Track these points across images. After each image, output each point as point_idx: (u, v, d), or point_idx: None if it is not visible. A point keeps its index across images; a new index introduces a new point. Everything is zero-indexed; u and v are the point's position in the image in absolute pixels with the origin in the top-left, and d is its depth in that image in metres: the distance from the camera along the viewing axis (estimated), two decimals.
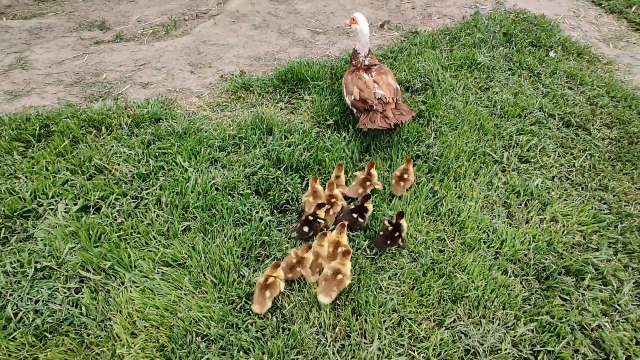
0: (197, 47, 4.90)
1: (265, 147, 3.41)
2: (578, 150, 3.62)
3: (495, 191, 3.22)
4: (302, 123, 3.70)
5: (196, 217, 2.84)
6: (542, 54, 4.78)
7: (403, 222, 2.78)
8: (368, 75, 3.55)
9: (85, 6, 5.86)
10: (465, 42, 4.86)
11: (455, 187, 3.19)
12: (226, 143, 3.44)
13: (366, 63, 3.65)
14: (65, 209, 2.85)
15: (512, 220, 3.06)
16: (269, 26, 5.38)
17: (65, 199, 2.91)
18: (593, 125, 3.86)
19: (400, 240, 2.77)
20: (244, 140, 3.45)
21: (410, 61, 4.44)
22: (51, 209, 2.87)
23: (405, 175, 3.11)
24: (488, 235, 2.92)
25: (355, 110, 3.54)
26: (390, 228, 2.76)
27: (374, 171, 3.12)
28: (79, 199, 2.92)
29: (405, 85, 4.14)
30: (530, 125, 3.81)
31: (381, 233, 2.78)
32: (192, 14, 5.65)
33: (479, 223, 2.94)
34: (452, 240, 2.88)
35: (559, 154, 3.59)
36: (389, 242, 2.76)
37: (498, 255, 2.82)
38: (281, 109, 3.96)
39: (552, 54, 4.80)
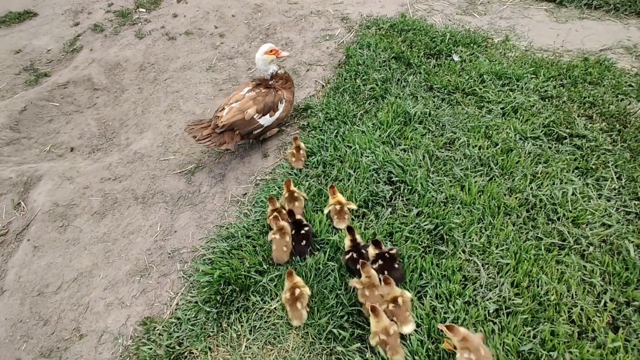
0: (34, 311, 2.77)
1: None
2: (602, 167, 2.86)
3: (615, 296, 2.23)
4: None
5: None
6: (448, 62, 3.95)
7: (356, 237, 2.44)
8: (247, 92, 3.35)
9: None
10: (372, 92, 3.73)
11: (584, 335, 2.11)
12: None
13: (269, 84, 3.42)
14: None
15: None
16: (118, 202, 3.43)
17: None
18: (577, 124, 3.15)
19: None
20: None
21: (344, 156, 3.13)
22: None
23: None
24: None
25: None
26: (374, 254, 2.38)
27: None
28: None
29: (375, 202, 2.84)
30: (534, 165, 2.92)
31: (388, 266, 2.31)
32: None
33: None
34: None
35: (591, 185, 2.78)
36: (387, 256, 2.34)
37: None
38: (252, 355, 2.31)
39: (455, 57, 3.98)
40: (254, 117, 3.22)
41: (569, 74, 3.57)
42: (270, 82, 3.42)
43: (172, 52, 4.98)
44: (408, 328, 2.13)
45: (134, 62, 4.92)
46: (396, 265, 2.31)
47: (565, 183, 2.75)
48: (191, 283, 2.69)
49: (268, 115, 3.31)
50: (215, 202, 3.23)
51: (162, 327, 2.48)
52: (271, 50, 3.33)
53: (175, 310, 2.59)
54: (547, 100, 3.39)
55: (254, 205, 3.07)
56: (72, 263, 3.02)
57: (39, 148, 4.12)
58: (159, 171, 3.60)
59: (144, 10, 5.84)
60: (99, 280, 2.88)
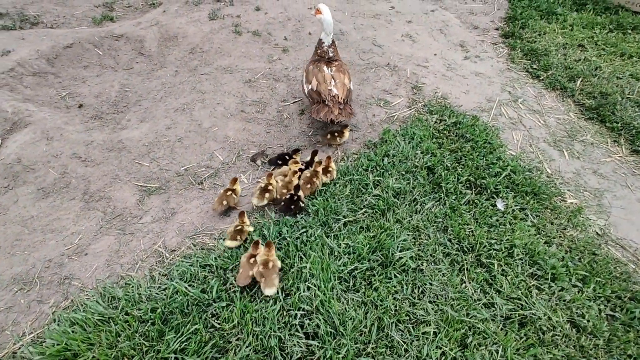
0: None
1: None
2: None
3: None
4: None
5: None
6: (487, 206, 3.01)
7: None
8: (328, 70, 3.39)
9: None
10: (374, 200, 2.95)
11: None
12: None
13: (330, 54, 3.47)
14: None
15: None
16: (68, 188, 3.11)
17: None
18: None
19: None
20: None
21: (285, 271, 2.46)
22: None
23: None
24: None
25: (310, 100, 3.43)
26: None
27: None
28: None
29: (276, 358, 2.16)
30: None
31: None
32: None
33: None
34: None
35: None
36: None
37: None
38: None
39: (499, 204, 3.02)
40: (350, 85, 3.45)
41: (630, 308, 2.48)
42: (328, 50, 3.45)
43: (228, 47, 4.53)
44: (271, 290, 2.30)
45: (189, 42, 4.56)
46: (301, 204, 2.81)
47: None
48: (47, 332, 2.27)
49: (351, 82, 3.51)
50: (143, 242, 2.75)
51: None
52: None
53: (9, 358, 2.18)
54: (577, 330, 2.37)
55: (168, 272, 2.54)
56: None
57: (56, 91, 3.96)
58: (124, 173, 3.21)
59: None
60: None
